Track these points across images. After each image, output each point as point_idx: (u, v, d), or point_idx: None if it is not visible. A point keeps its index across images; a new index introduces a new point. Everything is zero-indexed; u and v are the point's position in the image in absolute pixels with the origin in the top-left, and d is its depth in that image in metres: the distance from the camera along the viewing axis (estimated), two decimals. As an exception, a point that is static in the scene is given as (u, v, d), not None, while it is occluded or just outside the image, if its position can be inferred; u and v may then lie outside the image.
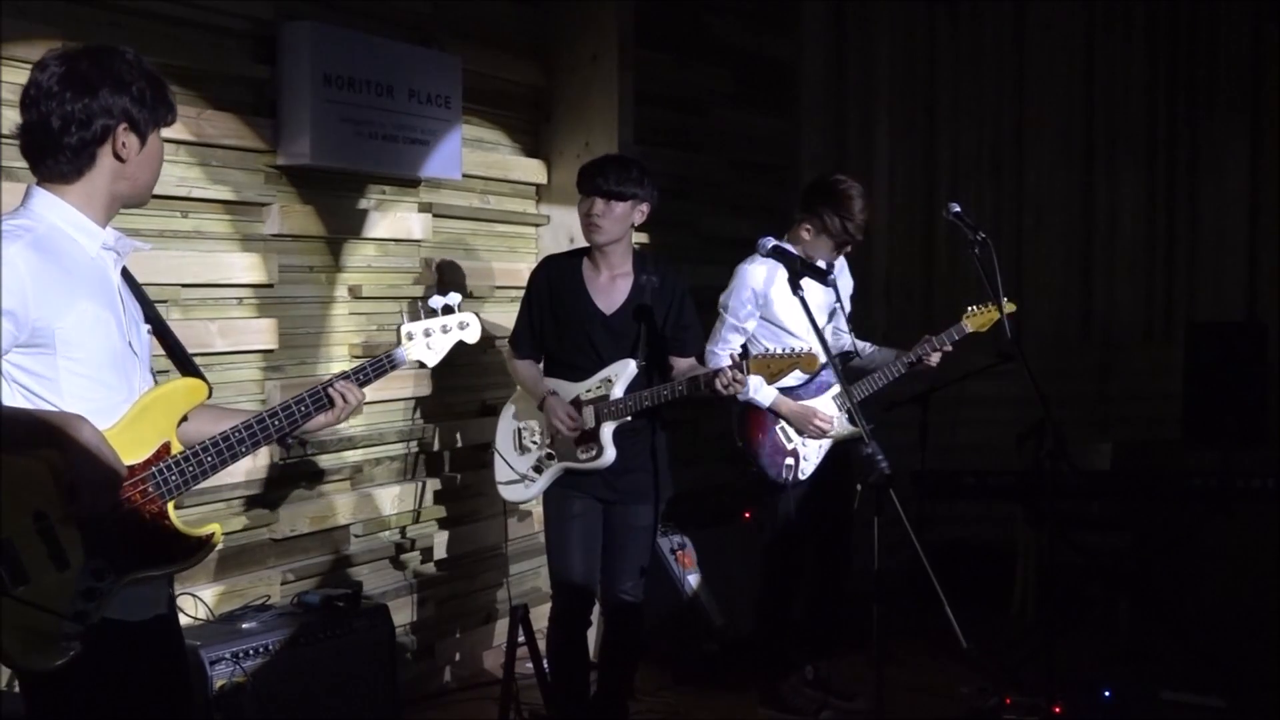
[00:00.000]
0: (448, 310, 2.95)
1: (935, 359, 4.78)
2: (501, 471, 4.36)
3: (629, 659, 4.41)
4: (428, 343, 2.93)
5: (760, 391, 4.66)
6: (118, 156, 2.48)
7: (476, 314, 3.04)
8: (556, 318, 4.23)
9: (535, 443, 4.28)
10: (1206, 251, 7.27)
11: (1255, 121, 7.15)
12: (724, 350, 4.71)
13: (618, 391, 4.12)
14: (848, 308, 4.92)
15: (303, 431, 2.76)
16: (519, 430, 4.34)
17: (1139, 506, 5.80)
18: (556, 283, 4.25)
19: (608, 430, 4.13)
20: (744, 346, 4.73)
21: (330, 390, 2.72)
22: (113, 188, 2.50)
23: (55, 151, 2.46)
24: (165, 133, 2.60)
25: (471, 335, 3.00)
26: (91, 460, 2.32)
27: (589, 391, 4.16)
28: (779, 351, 4.07)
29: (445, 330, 2.95)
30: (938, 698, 5.05)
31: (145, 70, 2.52)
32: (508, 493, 4.37)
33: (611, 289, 4.21)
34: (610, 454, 4.13)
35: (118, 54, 2.51)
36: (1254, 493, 4.94)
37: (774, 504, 4.85)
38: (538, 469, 4.26)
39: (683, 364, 4.26)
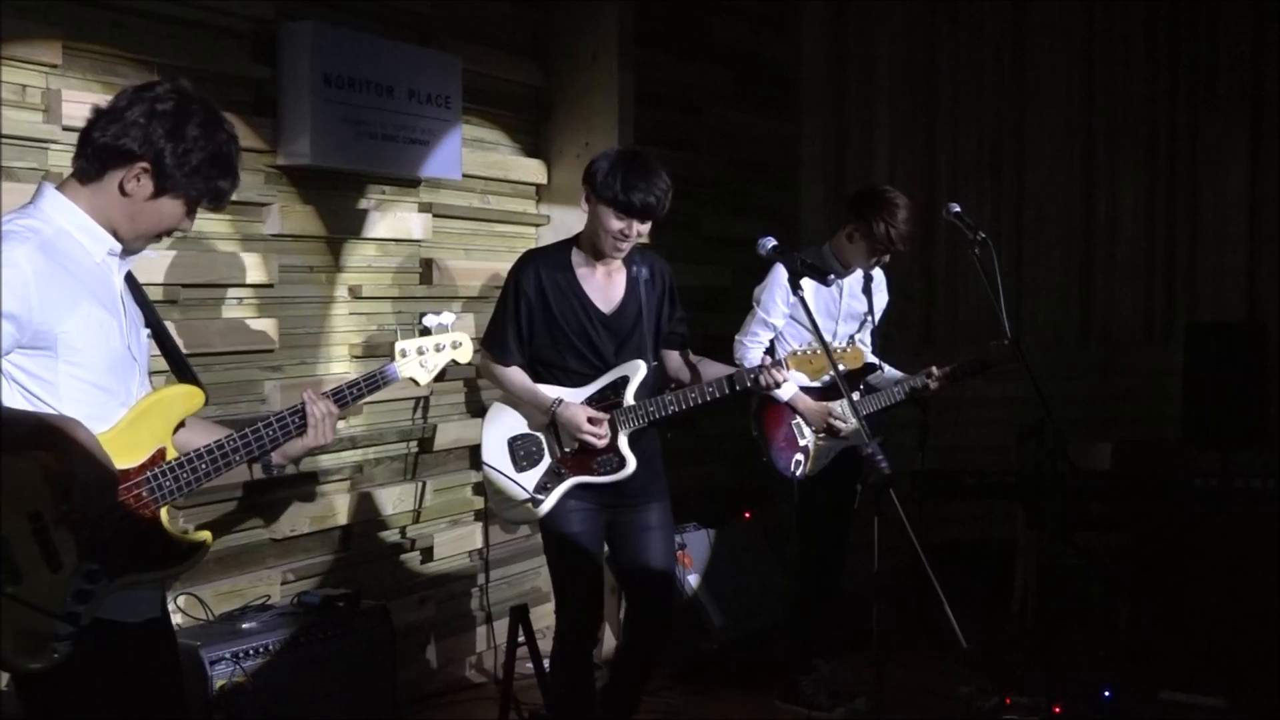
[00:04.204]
0: (441, 329, 3.00)
1: (936, 385, 4.81)
2: (503, 492, 3.96)
3: (648, 672, 4.20)
4: (421, 360, 2.97)
5: (783, 385, 4.66)
6: (122, 188, 2.46)
7: (469, 334, 3.11)
8: (550, 319, 3.90)
9: (538, 457, 3.93)
10: (1206, 251, 7.26)
11: (1255, 121, 7.14)
12: (753, 343, 4.74)
13: (630, 396, 3.91)
14: (878, 321, 4.97)
15: (285, 455, 2.76)
16: (514, 444, 3.96)
17: (1139, 506, 5.80)
18: (550, 281, 3.91)
19: (625, 439, 3.90)
20: (770, 342, 4.78)
21: (308, 406, 2.71)
22: (111, 214, 2.48)
23: (85, 141, 2.47)
24: None
25: (463, 355, 3.05)
26: (85, 463, 2.32)
27: (598, 398, 3.93)
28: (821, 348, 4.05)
29: (439, 349, 3.00)
30: (938, 698, 5.05)
31: (219, 149, 2.48)
32: (512, 515, 4.01)
33: (609, 286, 3.97)
34: (632, 464, 3.89)
35: (216, 121, 2.50)
36: (1254, 493, 4.94)
37: (787, 500, 4.88)
38: (544, 486, 3.91)
39: (675, 358, 4.12)
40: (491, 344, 3.98)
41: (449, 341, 3.02)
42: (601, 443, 3.85)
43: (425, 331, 2.99)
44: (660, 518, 4.02)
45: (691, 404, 3.92)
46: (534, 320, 3.91)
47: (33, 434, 2.32)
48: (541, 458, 3.93)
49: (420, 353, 2.97)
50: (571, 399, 3.90)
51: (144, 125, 2.43)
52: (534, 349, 3.95)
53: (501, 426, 3.99)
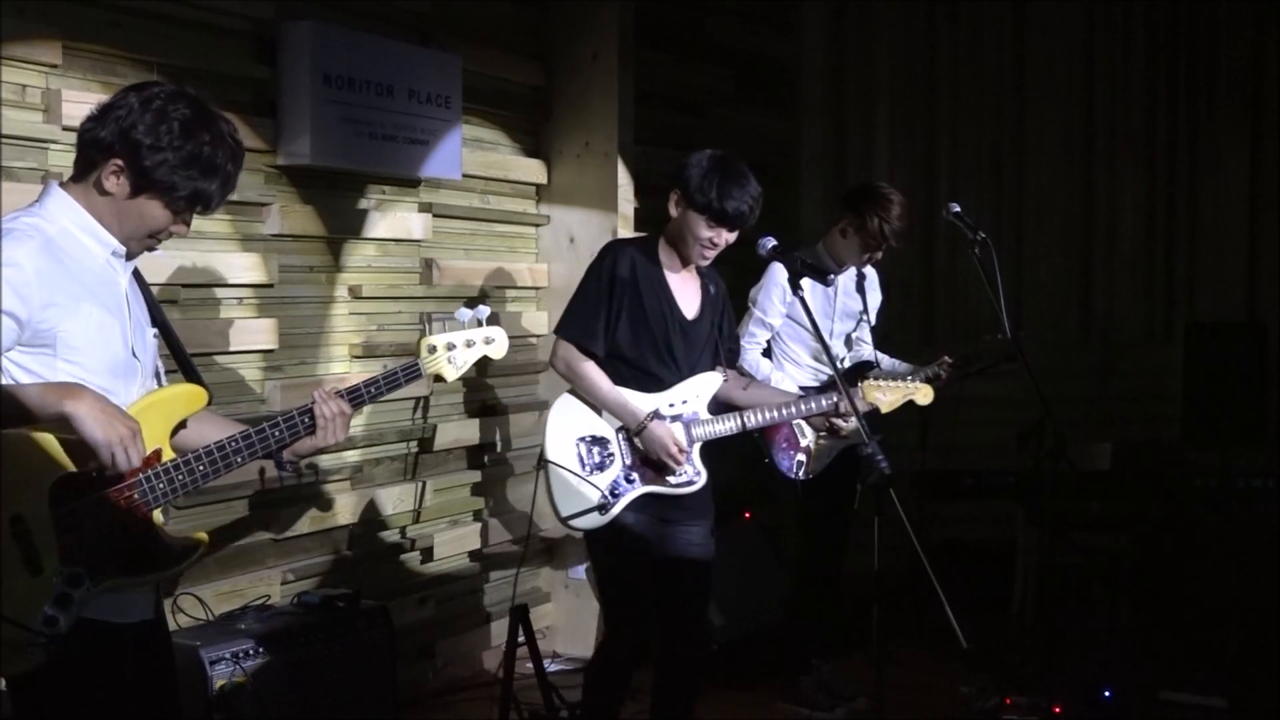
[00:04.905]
0: (475, 322, 2.83)
1: (946, 375, 4.83)
2: (570, 498, 3.71)
3: (691, 683, 3.95)
4: (450, 356, 2.81)
5: (783, 384, 4.66)
6: (101, 185, 2.44)
7: (503, 329, 2.91)
8: (639, 311, 3.74)
9: (608, 460, 3.74)
10: (1206, 251, 7.26)
11: (1255, 121, 7.14)
12: (750, 344, 4.74)
13: (704, 408, 3.81)
14: (873, 320, 4.99)
15: (295, 453, 2.70)
16: (583, 444, 3.75)
17: (1139, 506, 5.80)
18: (643, 271, 3.75)
19: (697, 451, 3.80)
20: (767, 343, 4.82)
21: (317, 406, 2.66)
22: (100, 213, 2.46)
23: (77, 138, 2.47)
24: None
25: (497, 350, 2.88)
26: (98, 420, 2.29)
27: (671, 406, 3.79)
28: (896, 382, 4.09)
29: (469, 344, 2.84)
30: (938, 698, 5.04)
31: (199, 150, 2.43)
32: (579, 522, 3.72)
33: (688, 291, 3.86)
34: (704, 477, 3.80)
35: (202, 122, 2.45)
36: (1254, 493, 4.94)
37: (788, 500, 4.88)
38: (613, 492, 3.72)
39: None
40: (577, 329, 3.77)
41: (481, 337, 2.85)
42: (679, 470, 3.74)
43: (457, 325, 2.82)
44: (703, 535, 3.88)
45: (764, 422, 3.90)
46: (623, 308, 3.74)
47: (38, 402, 2.28)
48: (612, 461, 3.75)
49: (450, 348, 2.81)
50: (648, 404, 3.77)
51: (123, 120, 2.40)
52: (613, 343, 3.77)
53: (569, 424, 3.77)
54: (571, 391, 3.84)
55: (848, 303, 4.97)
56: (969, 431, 6.62)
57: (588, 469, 3.72)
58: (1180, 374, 6.15)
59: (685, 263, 3.85)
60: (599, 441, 3.76)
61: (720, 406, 3.92)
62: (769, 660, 5.17)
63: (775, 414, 3.92)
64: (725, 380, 3.92)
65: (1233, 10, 7.17)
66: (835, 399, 3.96)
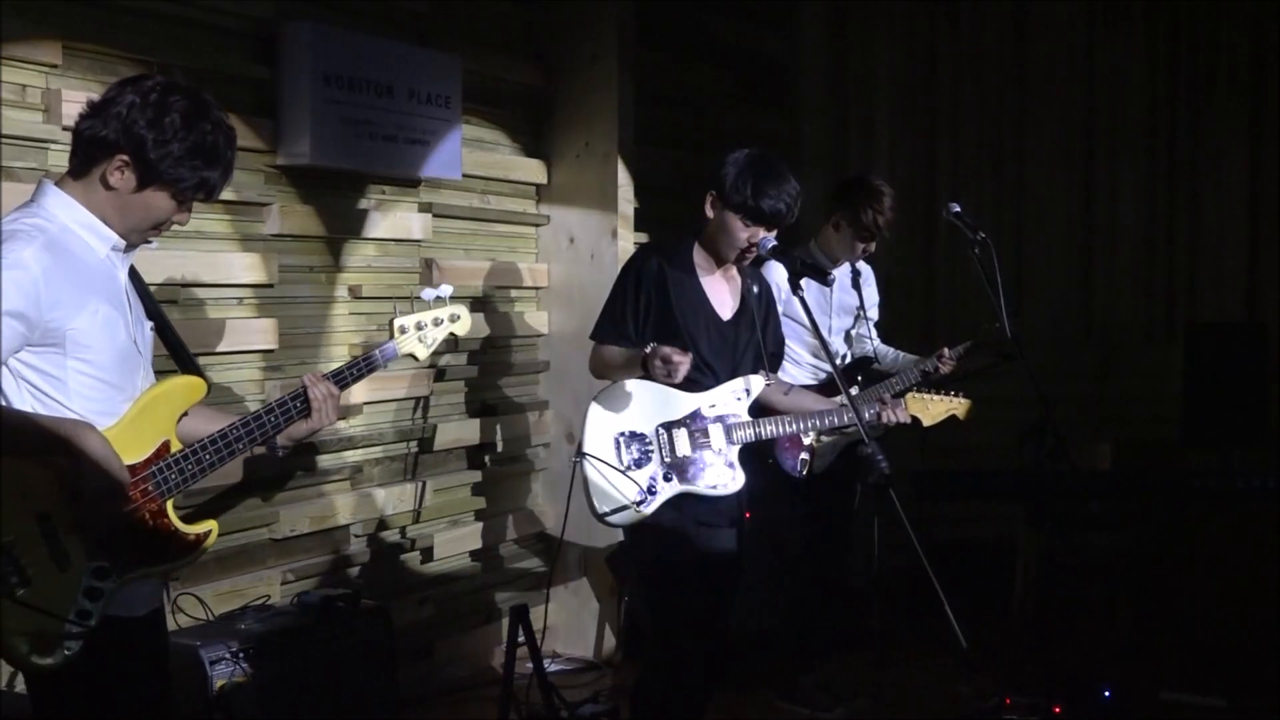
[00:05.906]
0: (439, 302, 2.98)
1: (947, 368, 4.84)
2: (606, 494, 3.64)
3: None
4: (419, 335, 2.96)
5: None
6: (106, 181, 2.46)
7: (467, 307, 3.05)
8: (668, 314, 3.72)
9: (646, 458, 3.67)
10: (1206, 251, 7.26)
11: (1255, 121, 7.13)
12: None
13: (745, 410, 3.77)
14: (873, 315, 5.00)
15: (289, 437, 2.76)
16: (621, 440, 3.68)
17: (1139, 506, 5.80)
18: (672, 275, 3.74)
19: (736, 452, 3.73)
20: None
21: (310, 389, 2.72)
22: (102, 208, 2.49)
23: (74, 135, 2.50)
24: None
25: (462, 327, 3.03)
26: (97, 469, 2.34)
27: (713, 407, 3.73)
28: (939, 395, 4.09)
29: (437, 323, 2.98)
30: (938, 698, 5.05)
31: (202, 139, 2.47)
32: (615, 518, 3.66)
33: (725, 291, 3.84)
34: (742, 479, 3.73)
35: (200, 111, 2.49)
36: (1254, 493, 4.94)
37: (789, 499, 4.88)
38: (651, 489, 3.65)
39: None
40: (609, 333, 3.79)
41: (447, 314, 2.99)
42: (679, 372, 3.51)
43: (423, 305, 2.97)
44: (733, 540, 3.83)
45: (808, 429, 3.90)
46: (650, 312, 3.73)
47: (44, 438, 2.33)
48: (650, 459, 3.68)
49: (419, 327, 2.95)
50: (684, 404, 3.71)
51: (124, 116, 2.44)
52: (643, 342, 3.72)
53: (608, 420, 3.70)
54: (610, 387, 3.80)
55: (844, 299, 4.98)
56: (969, 431, 6.63)
57: (625, 465, 3.66)
58: (1180, 374, 6.15)
59: (721, 263, 3.82)
60: (637, 438, 3.69)
61: (760, 411, 3.86)
62: (769, 660, 5.17)
63: (815, 423, 3.86)
64: (769, 384, 3.86)
65: (1232, 10, 7.16)
66: (876, 409, 3.92)
